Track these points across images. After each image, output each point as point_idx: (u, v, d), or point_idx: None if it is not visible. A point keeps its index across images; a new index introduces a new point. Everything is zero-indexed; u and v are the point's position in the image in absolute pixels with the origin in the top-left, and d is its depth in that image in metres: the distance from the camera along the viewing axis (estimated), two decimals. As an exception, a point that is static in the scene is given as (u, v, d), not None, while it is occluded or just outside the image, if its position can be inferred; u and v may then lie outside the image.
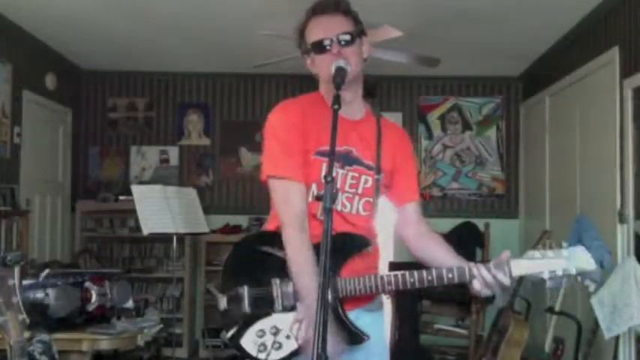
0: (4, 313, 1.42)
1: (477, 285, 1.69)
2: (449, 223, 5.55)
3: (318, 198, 1.52)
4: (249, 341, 1.80)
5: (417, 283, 1.72)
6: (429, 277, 1.71)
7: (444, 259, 1.83)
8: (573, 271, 1.66)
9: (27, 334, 1.74)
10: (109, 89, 6.36)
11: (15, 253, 1.44)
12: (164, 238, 5.48)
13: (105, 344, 3.09)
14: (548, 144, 5.38)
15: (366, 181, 1.87)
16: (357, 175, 1.86)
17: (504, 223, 6.03)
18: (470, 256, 5.76)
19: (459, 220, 5.60)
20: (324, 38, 1.81)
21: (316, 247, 1.69)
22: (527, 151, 6.09)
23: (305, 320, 1.70)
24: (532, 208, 5.87)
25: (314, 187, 1.82)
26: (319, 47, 1.82)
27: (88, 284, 3.09)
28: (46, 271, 3.31)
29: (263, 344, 1.78)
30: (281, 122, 1.85)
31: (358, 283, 1.74)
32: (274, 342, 1.77)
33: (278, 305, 1.78)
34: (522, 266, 1.70)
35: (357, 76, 1.85)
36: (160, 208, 4.33)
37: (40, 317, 2.87)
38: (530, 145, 6.00)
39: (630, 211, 3.81)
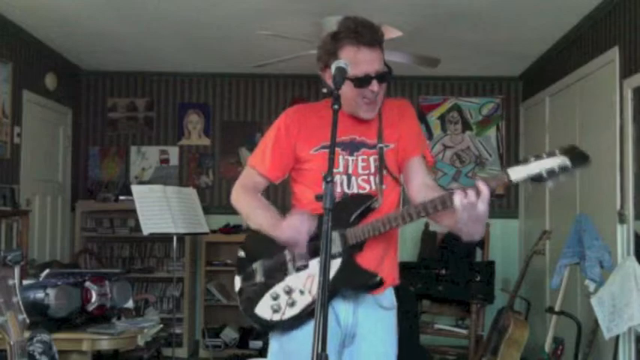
0: (4, 313, 1.42)
1: (457, 199, 1.64)
2: (449, 223, 5.56)
3: (318, 198, 1.55)
4: (263, 307, 1.91)
5: (421, 212, 1.76)
6: (427, 206, 1.74)
7: None
8: (569, 164, 1.65)
9: (27, 334, 1.74)
10: (109, 89, 6.36)
11: (15, 253, 1.44)
12: (164, 238, 5.49)
13: (105, 344, 3.10)
14: (548, 144, 5.37)
15: (375, 160, 1.96)
16: (365, 157, 1.95)
17: (504, 223, 6.04)
18: (470, 256, 5.78)
19: (458, 220, 5.60)
20: (369, 74, 1.86)
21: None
22: (527, 151, 6.09)
23: (290, 235, 1.80)
24: (532, 208, 5.87)
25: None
26: (361, 82, 1.86)
27: (88, 284, 3.09)
28: (46, 271, 3.31)
29: (277, 305, 1.88)
30: (278, 124, 2.02)
31: (364, 227, 1.83)
32: (288, 300, 1.86)
33: (292, 267, 1.89)
34: (518, 171, 1.67)
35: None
36: (160, 209, 4.34)
37: (40, 317, 2.88)
38: (530, 145, 6.00)
39: (630, 211, 3.81)
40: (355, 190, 1.92)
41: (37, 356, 2.20)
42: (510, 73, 6.15)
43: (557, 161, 1.64)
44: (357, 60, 1.85)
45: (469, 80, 6.28)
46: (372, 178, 1.94)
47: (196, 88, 6.34)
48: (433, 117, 6.29)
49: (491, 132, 6.27)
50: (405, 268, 4.92)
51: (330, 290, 1.75)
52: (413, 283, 4.84)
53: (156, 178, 6.15)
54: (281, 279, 1.90)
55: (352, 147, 1.94)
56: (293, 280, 1.88)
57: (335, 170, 1.91)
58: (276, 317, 1.86)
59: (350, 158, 1.94)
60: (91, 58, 5.88)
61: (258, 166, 2.03)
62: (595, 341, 3.73)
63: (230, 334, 5.64)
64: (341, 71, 1.72)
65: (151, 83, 6.34)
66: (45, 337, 2.28)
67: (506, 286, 5.48)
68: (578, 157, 1.66)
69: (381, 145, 1.96)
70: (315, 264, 1.83)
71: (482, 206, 1.66)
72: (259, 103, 6.26)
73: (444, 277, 4.97)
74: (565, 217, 4.68)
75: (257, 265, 1.96)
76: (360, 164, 1.94)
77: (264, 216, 1.93)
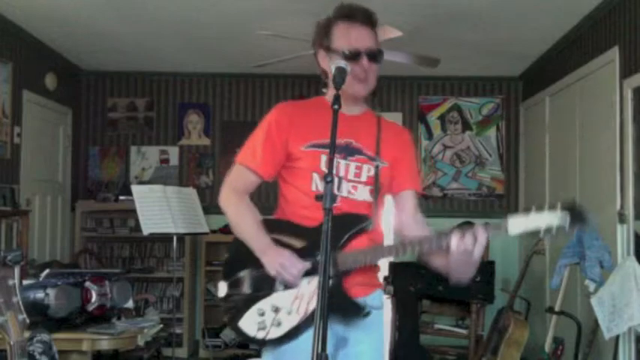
0: (4, 313, 1.42)
1: (454, 242, 1.66)
2: (449, 223, 5.50)
3: (318, 198, 1.55)
4: (248, 322, 1.84)
5: (415, 248, 1.76)
6: (423, 242, 1.74)
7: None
8: (566, 225, 1.65)
9: (27, 334, 1.74)
10: (109, 89, 6.36)
11: (15, 253, 1.44)
12: (164, 238, 5.48)
13: (105, 344, 3.10)
14: (548, 144, 5.38)
15: (369, 170, 1.92)
16: (359, 164, 1.91)
17: (504, 223, 6.02)
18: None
19: (458, 220, 5.56)
20: (359, 49, 1.85)
21: (319, 228, 1.75)
22: (527, 151, 6.10)
23: (278, 268, 1.78)
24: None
25: (315, 176, 1.89)
26: (351, 56, 1.85)
27: (88, 284, 3.09)
28: (46, 271, 3.31)
29: (262, 322, 1.81)
30: (269, 119, 1.96)
31: (356, 255, 1.79)
32: (274, 319, 1.80)
33: (279, 284, 1.82)
34: (517, 224, 1.66)
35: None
36: (160, 209, 4.34)
37: (40, 317, 2.87)
38: (530, 145, 6.00)
39: (630, 211, 3.81)
40: (344, 195, 1.88)
41: (37, 356, 2.20)
42: (510, 73, 6.14)
43: (555, 219, 1.64)
44: (348, 36, 1.87)
45: (469, 80, 6.28)
46: (360, 187, 1.91)
47: (196, 88, 6.34)
48: (433, 117, 6.29)
49: (491, 132, 6.27)
50: (405, 268, 4.92)
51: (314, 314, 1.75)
52: (413, 283, 4.84)
53: (156, 178, 6.15)
54: (268, 294, 1.83)
55: (347, 151, 1.90)
56: (280, 297, 1.82)
57: (326, 170, 1.86)
58: (261, 335, 1.81)
59: (343, 162, 1.89)
60: (91, 58, 5.88)
61: (249, 163, 1.96)
62: (595, 341, 3.73)
63: (230, 334, 5.64)
64: (341, 71, 1.72)
65: (150, 83, 6.34)
66: (45, 337, 2.27)
67: (506, 286, 5.48)
68: (577, 216, 1.67)
69: (378, 162, 1.93)
70: (305, 284, 1.79)
71: (478, 253, 1.66)
72: (259, 103, 6.26)
73: (444, 277, 4.97)
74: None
75: (244, 274, 1.89)
76: (353, 170, 1.91)
77: (256, 235, 1.87)
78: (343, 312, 1.79)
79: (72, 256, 5.78)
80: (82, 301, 3.07)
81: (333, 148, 1.57)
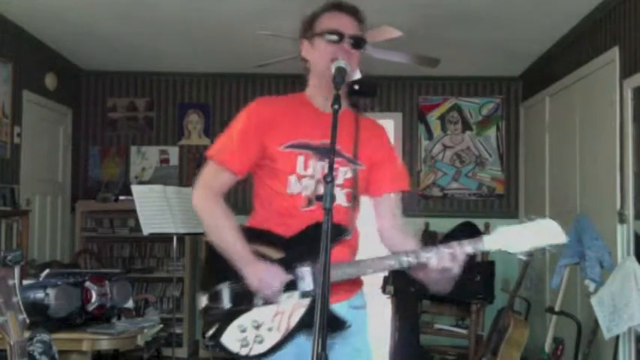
0: (4, 313, 1.42)
1: (433, 262, 1.69)
2: (449, 223, 5.56)
3: (318, 198, 1.54)
4: (230, 338, 1.80)
5: (394, 266, 1.74)
6: (406, 260, 1.73)
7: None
8: (543, 246, 1.69)
9: (27, 334, 1.74)
10: (109, 89, 6.36)
11: (15, 253, 1.44)
12: (164, 238, 5.48)
13: (105, 344, 3.09)
14: (548, 144, 5.38)
15: (346, 173, 1.87)
16: (336, 166, 1.82)
17: (504, 223, 6.00)
18: (470, 256, 5.74)
19: (458, 220, 5.60)
20: (343, 32, 1.84)
21: (296, 239, 1.77)
22: (527, 151, 6.10)
23: (259, 284, 1.74)
24: (532, 208, 5.86)
25: (292, 179, 1.84)
26: (331, 36, 1.83)
27: (88, 284, 3.09)
28: (46, 271, 3.31)
29: (245, 339, 1.77)
30: (247, 114, 1.91)
31: (338, 271, 1.74)
32: (256, 336, 1.76)
33: (258, 298, 1.78)
34: (493, 241, 1.73)
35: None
36: (160, 208, 4.33)
37: (40, 317, 2.87)
38: (530, 145, 6.00)
39: (630, 211, 3.81)
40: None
41: (37, 356, 2.20)
42: (510, 73, 6.14)
43: (530, 242, 1.70)
44: (332, 21, 1.86)
45: (469, 80, 6.28)
46: (337, 189, 1.84)
47: (196, 88, 6.34)
48: (433, 117, 6.29)
49: (492, 132, 6.26)
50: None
51: (295, 329, 1.73)
52: (413, 283, 4.83)
53: (156, 178, 6.15)
54: (248, 309, 1.79)
55: (324, 152, 1.82)
56: (261, 313, 1.77)
57: (303, 173, 1.83)
58: (244, 352, 1.77)
59: (320, 163, 1.83)
60: (91, 58, 5.88)
61: (225, 161, 1.89)
62: (595, 341, 3.73)
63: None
64: (340, 71, 1.72)
65: (150, 83, 6.34)
66: (45, 337, 2.27)
67: (506, 286, 5.48)
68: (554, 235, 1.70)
69: (355, 165, 1.88)
70: (285, 299, 1.75)
71: (457, 270, 1.70)
72: (259, 103, 6.26)
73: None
74: (565, 217, 4.68)
75: (223, 287, 1.83)
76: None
77: (235, 245, 1.82)
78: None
79: (72, 256, 5.77)
80: (82, 301, 3.06)
81: (333, 148, 1.55)
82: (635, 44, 3.77)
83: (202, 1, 4.24)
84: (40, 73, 5.36)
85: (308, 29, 1.92)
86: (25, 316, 1.45)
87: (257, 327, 1.77)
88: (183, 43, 5.26)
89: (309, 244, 1.67)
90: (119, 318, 3.30)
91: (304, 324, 1.74)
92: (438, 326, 5.07)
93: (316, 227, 1.59)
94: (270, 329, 1.76)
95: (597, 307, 3.47)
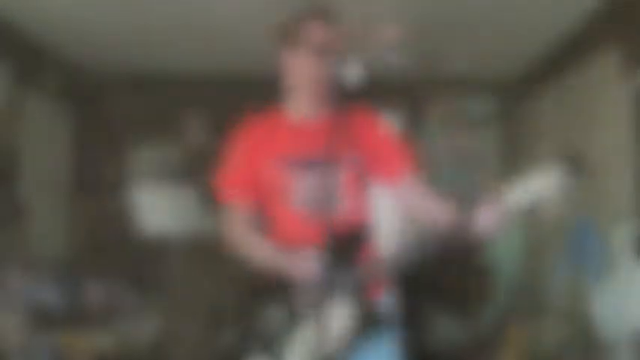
0: (4, 313, 1.42)
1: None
2: (449, 223, 5.55)
3: (321, 210, 1.56)
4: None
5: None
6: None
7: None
8: (527, 205, 1.79)
9: (27, 335, 1.75)
10: (110, 89, 6.35)
11: (15, 253, 1.44)
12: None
13: (105, 344, 3.10)
14: (549, 144, 5.38)
15: (346, 175, 1.89)
16: (332, 175, 1.83)
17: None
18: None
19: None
20: (324, 43, 1.88)
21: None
22: (527, 151, 6.09)
23: (299, 270, 1.75)
24: (532, 208, 5.86)
25: (294, 197, 1.87)
26: (316, 49, 1.87)
27: (89, 284, 3.10)
28: (47, 271, 3.32)
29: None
30: (240, 148, 2.00)
31: (372, 266, 1.79)
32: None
33: (301, 307, 1.79)
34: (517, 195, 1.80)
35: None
36: (161, 208, 4.34)
37: (40, 317, 2.88)
38: (530, 145, 6.00)
39: (630, 211, 3.81)
40: (334, 209, 1.79)
41: (38, 356, 2.20)
42: (510, 73, 6.14)
43: (550, 177, 1.81)
44: (312, 30, 1.93)
45: (469, 80, 6.27)
46: (346, 194, 1.87)
47: (196, 88, 6.33)
48: (433, 117, 6.28)
49: (491, 132, 6.26)
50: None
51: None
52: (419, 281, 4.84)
53: (156, 177, 6.14)
54: (286, 338, 1.81)
55: (321, 165, 1.80)
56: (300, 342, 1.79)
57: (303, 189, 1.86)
58: None
59: (316, 178, 1.84)
60: (91, 58, 5.88)
61: (240, 201, 1.95)
62: (595, 341, 3.73)
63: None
64: (340, 76, 1.73)
65: (151, 83, 6.33)
66: (45, 337, 2.28)
67: (507, 285, 5.48)
68: (573, 165, 1.80)
69: (355, 162, 1.90)
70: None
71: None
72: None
73: (444, 277, 4.97)
74: (565, 217, 4.68)
75: (264, 313, 1.85)
76: (334, 180, 1.83)
77: (268, 248, 1.86)
78: (366, 323, 1.83)
79: (73, 256, 5.77)
80: (82, 301, 3.07)
81: (333, 153, 1.58)
82: (635, 44, 3.77)
83: (202, 1, 4.24)
84: (40, 73, 5.36)
85: (290, 37, 1.99)
86: (25, 316, 1.46)
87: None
88: (184, 42, 5.26)
89: (340, 252, 1.72)
90: (119, 318, 3.31)
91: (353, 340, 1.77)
92: (438, 326, 5.07)
93: (340, 234, 1.68)
94: None
95: (597, 307, 3.48)
